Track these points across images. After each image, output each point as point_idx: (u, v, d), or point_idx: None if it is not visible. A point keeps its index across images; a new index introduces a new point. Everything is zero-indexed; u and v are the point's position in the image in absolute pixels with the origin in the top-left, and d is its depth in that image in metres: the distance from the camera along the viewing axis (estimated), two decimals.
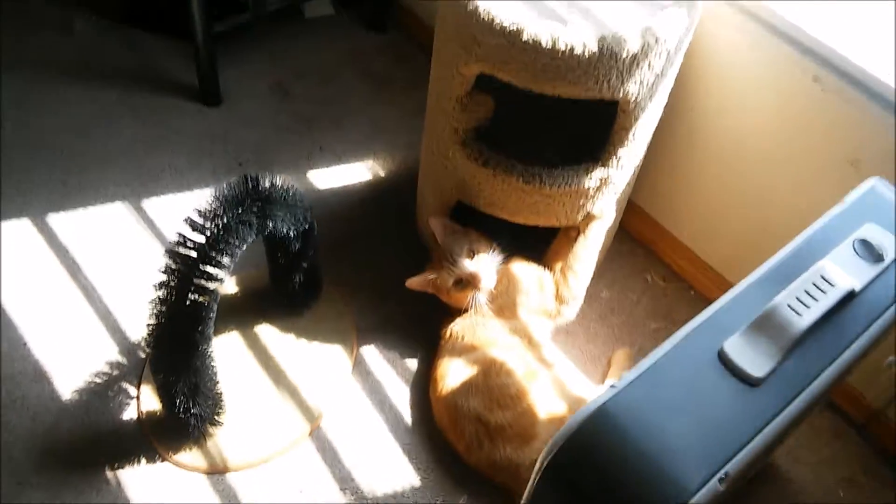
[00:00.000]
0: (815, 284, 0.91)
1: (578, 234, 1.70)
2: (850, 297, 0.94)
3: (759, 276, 0.96)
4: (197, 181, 2.03)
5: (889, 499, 1.64)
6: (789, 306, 0.89)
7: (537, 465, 0.86)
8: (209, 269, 1.32)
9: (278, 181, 1.45)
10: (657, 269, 2.02)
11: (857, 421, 1.73)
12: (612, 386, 0.86)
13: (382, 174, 2.13)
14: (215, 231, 1.31)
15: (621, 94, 1.37)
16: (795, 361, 0.88)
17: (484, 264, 1.63)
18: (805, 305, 0.90)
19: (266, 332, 1.73)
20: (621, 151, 1.51)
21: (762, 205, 1.71)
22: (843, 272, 0.94)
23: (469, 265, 1.62)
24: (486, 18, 1.31)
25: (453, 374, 1.60)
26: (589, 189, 1.56)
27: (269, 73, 2.34)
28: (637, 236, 2.04)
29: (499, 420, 1.52)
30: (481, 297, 1.63)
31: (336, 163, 2.13)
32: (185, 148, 2.10)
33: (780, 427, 0.85)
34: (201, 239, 1.32)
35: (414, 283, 1.67)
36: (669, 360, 0.87)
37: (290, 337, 1.73)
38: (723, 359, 0.88)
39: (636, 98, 1.40)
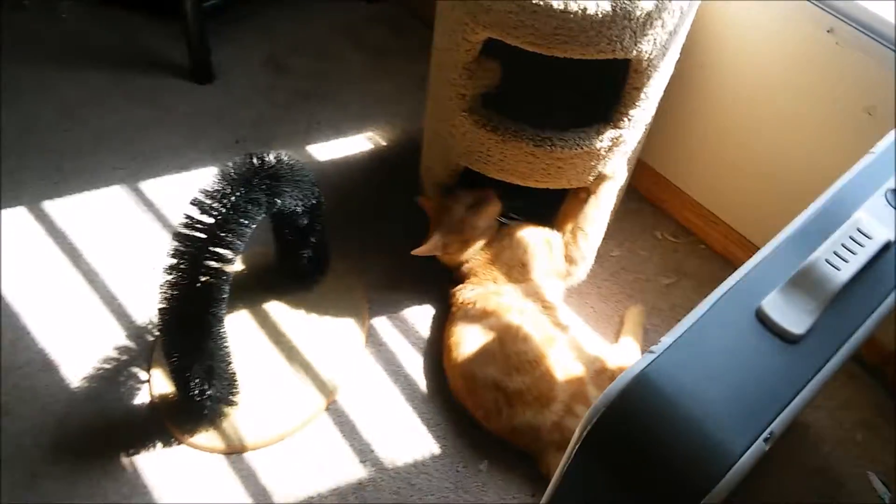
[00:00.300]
0: (851, 238, 0.87)
1: (589, 194, 1.66)
2: (886, 248, 0.89)
3: (792, 232, 0.92)
4: (195, 160, 1.97)
5: None
6: (827, 261, 0.85)
7: (576, 434, 0.82)
8: (219, 250, 1.27)
9: (284, 157, 1.40)
10: (667, 226, 1.98)
11: (870, 364, 1.71)
12: (650, 351, 0.81)
13: (384, 144, 2.08)
14: (223, 211, 1.27)
15: (634, 54, 1.32)
16: (834, 316, 0.84)
17: (483, 217, 1.66)
18: (843, 260, 0.86)
19: (276, 308, 1.69)
20: (633, 111, 1.46)
21: (775, 157, 1.67)
22: (879, 224, 0.89)
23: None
24: None
25: (468, 341, 1.56)
26: (600, 150, 1.51)
27: (263, 49, 2.26)
28: (646, 194, 1.99)
29: (517, 385, 1.49)
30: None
31: (335, 136, 2.07)
32: (181, 127, 2.03)
33: (821, 382, 0.82)
34: (209, 220, 1.27)
35: (421, 250, 1.63)
36: (707, 322, 0.84)
37: (301, 312, 1.69)
38: (761, 317, 0.84)
39: (649, 57, 1.34)
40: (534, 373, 1.49)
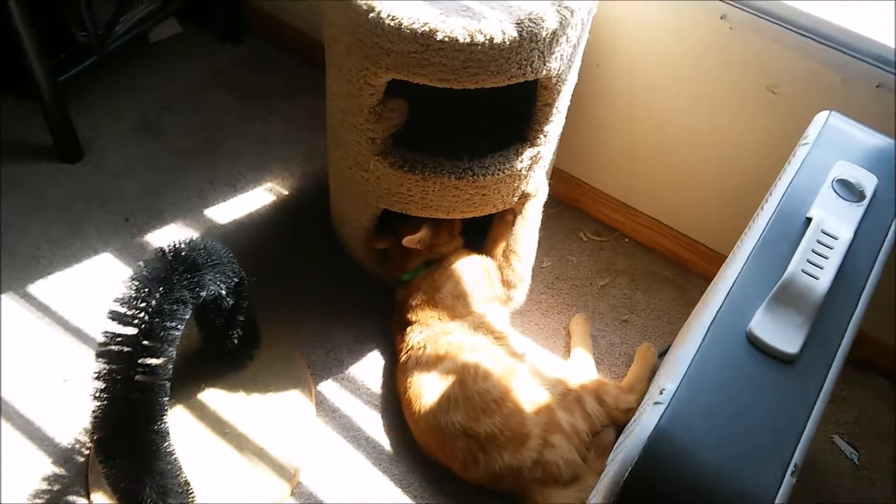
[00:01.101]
0: (819, 242, 0.89)
1: (515, 215, 1.65)
2: (850, 244, 0.92)
3: (757, 241, 0.94)
4: (83, 250, 1.83)
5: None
6: (804, 272, 0.87)
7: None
8: (149, 360, 1.18)
9: (197, 241, 1.31)
10: (589, 226, 2.01)
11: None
12: (656, 403, 0.81)
13: (286, 192, 2.00)
14: (146, 318, 1.17)
15: (544, 73, 1.31)
16: (822, 327, 0.87)
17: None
18: (818, 267, 0.88)
19: (212, 397, 1.60)
20: (547, 127, 1.46)
21: (683, 143, 1.72)
22: (838, 221, 0.92)
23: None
24: (392, 24, 1.21)
25: (427, 391, 1.53)
26: (521, 170, 1.51)
27: (131, 111, 2.13)
28: (563, 197, 2.01)
29: (488, 428, 1.46)
30: None
31: (232, 193, 1.98)
32: (58, 215, 1.88)
33: (826, 397, 0.84)
34: (132, 330, 1.17)
35: (412, 238, 1.61)
36: (702, 357, 0.83)
37: (240, 395, 1.61)
38: (752, 341, 0.85)
39: (557, 73, 1.34)
40: (502, 411, 1.47)
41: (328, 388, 1.66)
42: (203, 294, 1.27)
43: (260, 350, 1.65)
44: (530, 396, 1.50)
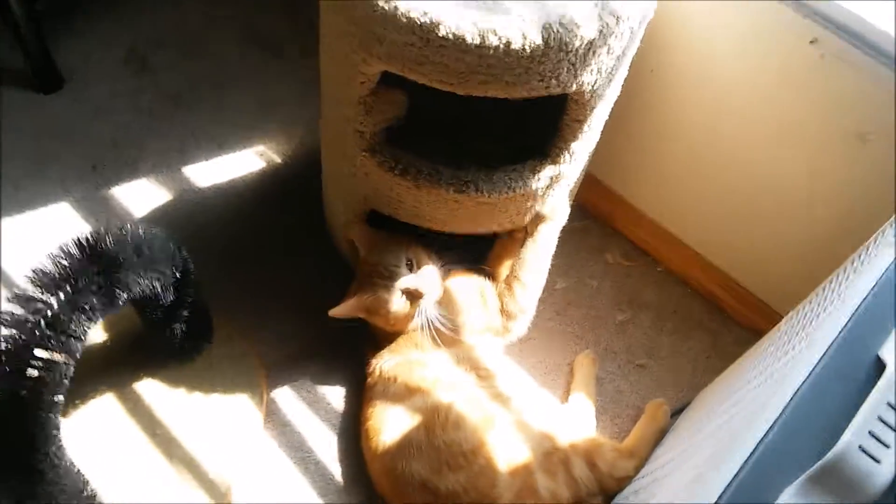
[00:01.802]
0: (891, 405, 0.64)
1: (525, 235, 1.41)
2: None
3: (807, 376, 0.69)
4: (39, 195, 1.64)
5: None
6: (862, 449, 0.62)
7: None
8: (34, 371, 0.98)
9: (128, 230, 1.10)
10: (618, 247, 1.75)
11: None
12: None
13: (279, 160, 1.78)
14: (35, 328, 0.97)
15: (574, 88, 1.06)
16: None
17: (429, 274, 1.36)
18: (883, 444, 0.63)
19: (149, 389, 1.42)
20: (575, 145, 1.21)
21: (742, 175, 1.47)
22: None
23: (411, 278, 1.32)
24: (387, 9, 0.97)
25: (389, 426, 1.32)
26: (537, 190, 1.26)
27: (121, 42, 1.91)
28: (593, 210, 1.76)
29: (450, 485, 1.26)
30: (430, 310, 1.35)
31: (218, 152, 1.76)
32: (23, 151, 1.69)
33: None
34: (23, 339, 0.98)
35: (341, 311, 1.36)
36: None
37: (181, 392, 1.42)
38: None
39: (592, 88, 1.08)
40: (470, 468, 1.27)
41: (283, 396, 1.47)
42: (123, 296, 1.06)
43: (212, 345, 1.45)
44: (508, 453, 1.29)
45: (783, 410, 0.70)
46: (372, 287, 1.34)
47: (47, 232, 1.59)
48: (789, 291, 1.45)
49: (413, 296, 1.33)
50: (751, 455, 0.67)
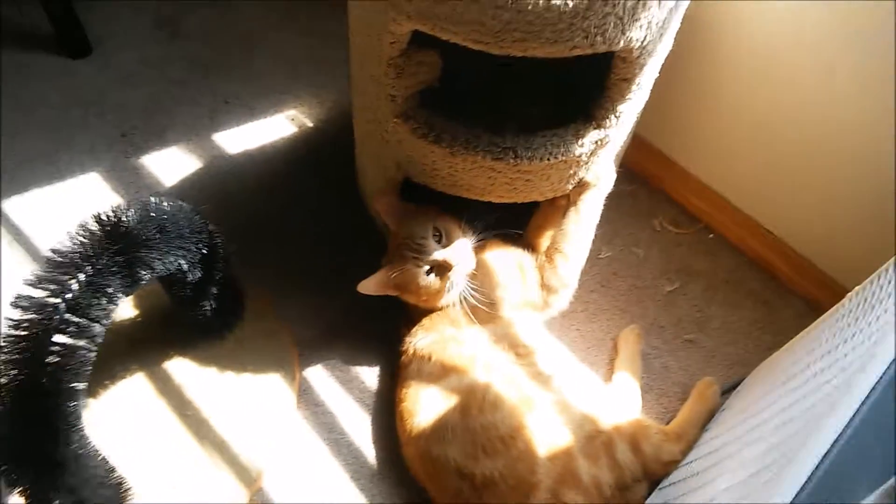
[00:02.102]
0: None
1: (568, 203, 1.32)
2: None
3: (884, 373, 0.61)
4: (69, 166, 1.61)
5: None
6: None
7: None
8: (54, 357, 0.95)
9: (153, 205, 1.05)
10: (667, 212, 1.65)
11: None
12: None
13: (311, 124, 1.71)
14: (53, 312, 0.93)
15: (621, 45, 0.96)
16: None
17: (460, 246, 1.28)
18: None
19: (179, 368, 1.38)
20: (622, 106, 1.11)
21: (800, 135, 1.36)
22: None
23: (441, 251, 1.26)
24: None
25: (424, 407, 1.27)
26: (580, 156, 1.17)
27: (151, 7, 1.85)
28: (641, 173, 1.66)
29: (487, 471, 1.20)
30: (460, 284, 1.28)
31: (248, 118, 1.70)
32: (51, 120, 1.67)
33: None
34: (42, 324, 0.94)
35: (369, 285, 1.30)
36: None
37: (212, 371, 1.38)
38: None
39: (642, 44, 0.99)
40: (508, 452, 1.20)
41: (315, 375, 1.42)
42: (146, 276, 1.02)
43: (243, 321, 1.40)
44: (548, 436, 1.23)
45: (860, 407, 0.62)
46: (401, 261, 1.28)
47: (77, 203, 1.56)
48: (853, 263, 1.36)
49: (443, 269, 1.26)
50: (826, 454, 0.60)
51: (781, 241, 1.52)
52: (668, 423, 1.38)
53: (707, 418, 1.37)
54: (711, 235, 1.63)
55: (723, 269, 1.58)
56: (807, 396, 0.92)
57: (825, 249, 1.47)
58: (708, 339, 1.50)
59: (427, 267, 1.27)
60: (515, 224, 1.40)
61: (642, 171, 1.66)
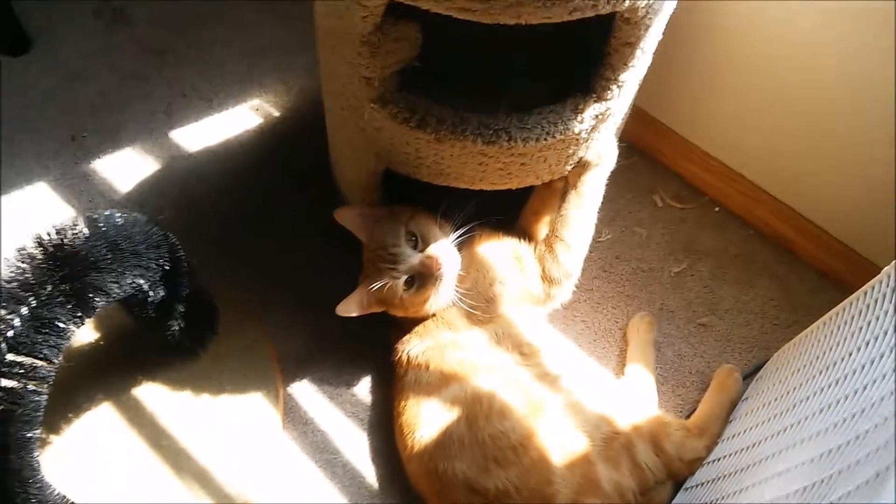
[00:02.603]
0: None
1: (566, 185, 1.21)
2: None
3: None
4: (13, 176, 1.47)
5: None
6: None
7: None
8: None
9: (102, 218, 0.92)
10: (669, 187, 1.55)
11: None
12: None
13: (277, 114, 1.59)
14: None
15: (626, 4, 0.84)
16: None
17: (439, 247, 1.15)
18: None
19: (150, 394, 1.27)
20: (625, 75, 1.00)
21: (820, 104, 1.27)
22: None
23: (418, 255, 1.13)
24: None
25: (426, 420, 1.17)
26: (580, 133, 1.06)
27: None
28: (640, 145, 1.55)
29: (500, 484, 1.10)
30: (447, 286, 1.16)
31: (208, 110, 1.58)
32: None
33: None
34: None
35: (348, 307, 1.19)
36: None
37: (186, 395, 1.27)
38: None
39: (648, 3, 0.87)
40: (521, 462, 1.11)
41: (301, 391, 1.31)
42: (100, 302, 0.89)
43: (217, 336, 1.28)
44: (562, 442, 1.13)
45: None
46: (377, 274, 1.16)
47: (23, 219, 1.43)
48: (870, 228, 1.28)
49: (425, 276, 1.14)
50: None
51: (793, 209, 1.43)
52: (687, 416, 1.29)
53: (730, 409, 1.28)
54: (717, 209, 1.53)
55: (732, 245, 1.49)
56: (865, 390, 0.82)
57: (840, 217, 1.38)
58: (721, 321, 1.41)
59: (405, 277, 1.15)
60: (499, 209, 1.27)
61: (640, 144, 1.55)
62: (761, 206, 1.47)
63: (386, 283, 1.15)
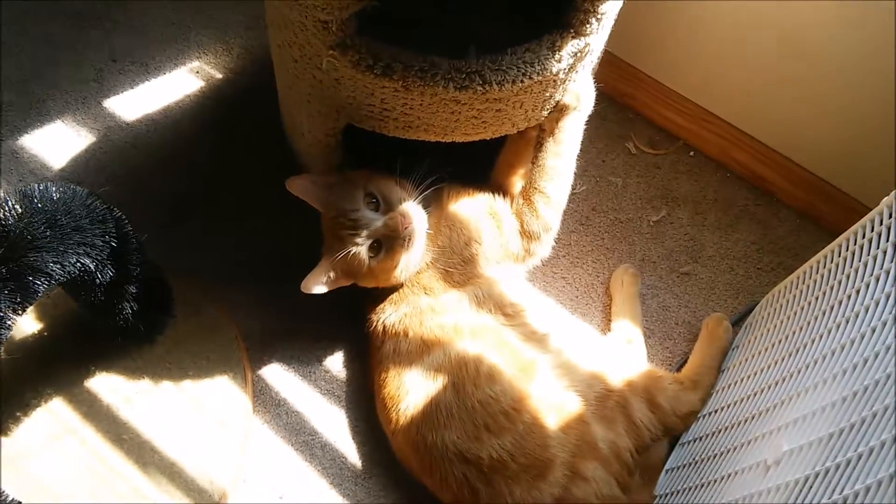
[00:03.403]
0: None
1: (542, 133, 1.16)
2: None
3: None
4: None
5: None
6: None
7: None
8: None
9: (38, 192, 0.84)
10: (641, 132, 1.52)
11: None
12: None
13: (219, 75, 1.49)
14: None
15: None
16: None
17: (404, 207, 1.10)
18: None
19: (105, 385, 1.19)
20: (604, 7, 0.95)
21: (790, 35, 1.25)
22: None
23: (379, 217, 1.08)
24: None
25: (410, 391, 1.12)
26: (558, 73, 1.01)
27: None
28: (608, 90, 1.50)
29: (494, 452, 1.07)
30: (417, 247, 1.11)
31: (144, 76, 1.48)
32: None
33: None
34: None
35: (312, 283, 1.12)
36: None
37: (146, 384, 1.19)
38: None
39: None
40: (514, 427, 1.07)
41: (272, 373, 1.25)
42: (41, 286, 0.81)
43: (175, 319, 1.20)
44: (555, 404, 1.10)
45: None
46: (339, 244, 1.10)
47: None
48: (847, 162, 1.26)
49: (391, 239, 1.08)
50: None
51: (771, 149, 1.41)
52: (678, 369, 1.26)
53: (722, 358, 1.26)
54: (692, 153, 1.50)
55: (709, 189, 1.46)
56: (885, 327, 0.80)
57: (820, 153, 1.36)
58: (704, 269, 1.38)
59: (369, 242, 1.08)
60: (461, 163, 1.21)
61: (611, 89, 1.51)
62: (738, 147, 1.45)
63: (349, 251, 1.08)
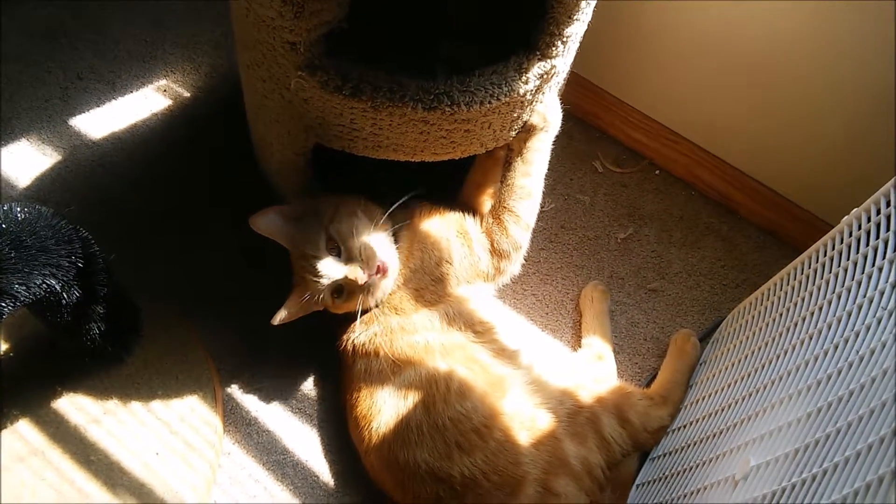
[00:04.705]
0: None
1: (511, 153, 1.20)
2: None
3: None
4: None
5: None
6: None
7: None
8: None
9: (2, 213, 0.85)
10: (608, 151, 1.56)
11: None
12: None
13: (187, 94, 1.51)
14: None
15: None
16: None
17: (370, 247, 1.11)
18: None
19: (72, 406, 1.19)
20: (570, 29, 0.99)
21: (754, 54, 1.29)
22: None
23: (341, 269, 1.09)
24: None
25: (381, 410, 1.13)
26: (525, 94, 1.04)
27: None
28: (576, 112, 1.54)
29: (465, 470, 1.09)
30: (383, 288, 1.13)
31: (110, 94, 1.49)
32: None
33: None
34: None
35: (284, 317, 1.14)
36: None
37: (114, 404, 1.20)
38: None
39: None
40: (486, 445, 1.09)
41: (242, 392, 1.26)
42: (5, 308, 0.83)
43: (143, 338, 1.21)
44: (527, 421, 1.12)
45: None
46: (304, 284, 1.12)
47: None
48: (809, 181, 1.30)
49: (353, 284, 1.10)
50: None
51: (735, 168, 1.45)
52: (647, 385, 1.30)
53: (690, 374, 1.29)
54: (658, 171, 1.55)
55: (674, 207, 1.50)
56: (858, 337, 0.83)
57: (783, 172, 1.41)
58: (672, 285, 1.42)
59: (332, 288, 1.11)
60: (432, 181, 1.24)
61: (575, 109, 1.55)
62: (702, 166, 1.49)
63: (314, 295, 1.10)
